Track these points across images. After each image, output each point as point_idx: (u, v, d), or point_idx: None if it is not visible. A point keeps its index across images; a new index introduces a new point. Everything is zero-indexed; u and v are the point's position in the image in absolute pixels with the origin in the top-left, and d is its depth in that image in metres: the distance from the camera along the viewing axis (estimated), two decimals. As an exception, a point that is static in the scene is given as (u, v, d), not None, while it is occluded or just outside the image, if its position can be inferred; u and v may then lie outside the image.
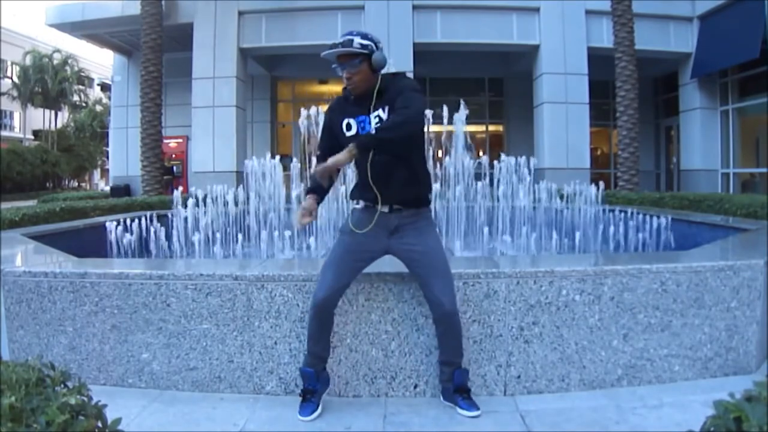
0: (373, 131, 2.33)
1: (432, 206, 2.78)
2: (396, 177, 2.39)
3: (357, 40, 2.35)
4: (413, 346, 2.67)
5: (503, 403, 2.59)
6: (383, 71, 2.44)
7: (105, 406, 1.27)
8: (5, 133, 33.03)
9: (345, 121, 2.46)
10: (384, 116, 2.38)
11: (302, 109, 5.94)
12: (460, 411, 2.45)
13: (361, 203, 2.48)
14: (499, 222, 5.81)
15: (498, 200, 5.92)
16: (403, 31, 11.88)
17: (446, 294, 2.39)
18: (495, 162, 6.02)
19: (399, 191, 2.40)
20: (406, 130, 2.28)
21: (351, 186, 2.63)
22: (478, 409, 2.42)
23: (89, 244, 4.78)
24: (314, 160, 2.67)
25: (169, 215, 5.71)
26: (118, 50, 15.12)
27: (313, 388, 2.48)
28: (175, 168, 14.81)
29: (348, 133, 2.44)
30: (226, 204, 5.87)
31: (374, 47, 2.37)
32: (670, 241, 4.96)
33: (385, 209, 2.40)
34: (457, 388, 2.49)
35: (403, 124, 2.25)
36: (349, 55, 2.36)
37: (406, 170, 2.42)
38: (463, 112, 5.92)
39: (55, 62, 31.11)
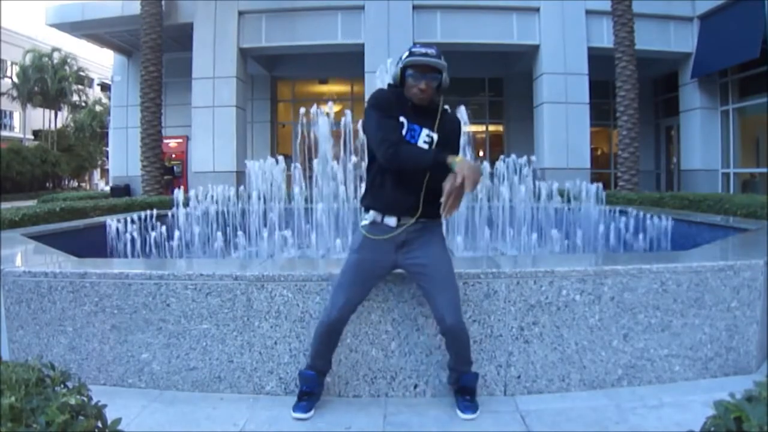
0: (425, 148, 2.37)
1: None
2: (437, 189, 2.28)
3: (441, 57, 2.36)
4: (413, 346, 2.67)
5: (503, 403, 2.59)
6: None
7: (105, 406, 1.27)
8: (5, 133, 33.02)
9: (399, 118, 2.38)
10: (435, 139, 2.39)
11: (301, 109, 5.90)
12: (457, 412, 2.47)
13: (370, 217, 2.42)
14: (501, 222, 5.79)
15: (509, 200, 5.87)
16: (403, 32, 11.84)
17: (449, 309, 2.34)
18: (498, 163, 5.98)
19: (433, 203, 2.29)
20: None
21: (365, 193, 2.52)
22: (473, 412, 2.43)
23: (89, 244, 4.78)
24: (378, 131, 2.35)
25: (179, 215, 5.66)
26: (118, 50, 15.13)
27: (311, 390, 2.49)
28: (175, 168, 14.83)
29: None
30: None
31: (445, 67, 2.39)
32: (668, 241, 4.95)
33: (393, 223, 2.37)
34: (459, 389, 2.51)
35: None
36: (433, 68, 2.35)
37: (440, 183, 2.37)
38: (464, 114, 5.89)
39: (55, 61, 31.09)
